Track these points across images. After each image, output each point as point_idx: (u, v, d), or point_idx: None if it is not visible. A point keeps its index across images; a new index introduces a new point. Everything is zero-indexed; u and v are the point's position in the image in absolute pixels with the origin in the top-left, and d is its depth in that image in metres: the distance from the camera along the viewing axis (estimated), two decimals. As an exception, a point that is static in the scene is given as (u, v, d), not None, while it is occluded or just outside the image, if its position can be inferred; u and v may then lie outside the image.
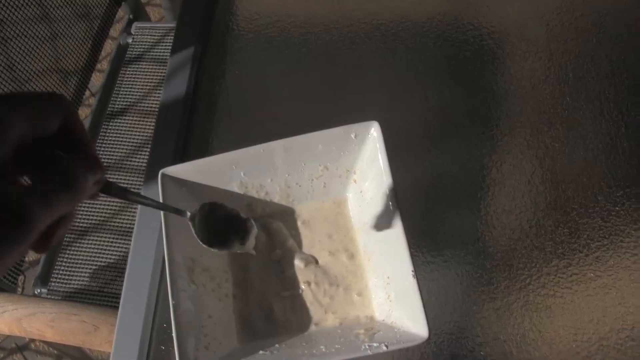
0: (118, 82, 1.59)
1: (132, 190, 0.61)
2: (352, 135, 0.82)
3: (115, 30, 1.79)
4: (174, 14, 1.84)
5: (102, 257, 1.38)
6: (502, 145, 1.00)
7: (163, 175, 0.82)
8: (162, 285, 0.95)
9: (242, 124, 1.09)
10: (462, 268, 0.91)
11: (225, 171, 0.85)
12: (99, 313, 1.10)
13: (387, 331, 0.77)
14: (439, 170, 0.99)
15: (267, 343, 0.81)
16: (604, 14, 1.11)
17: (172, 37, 1.20)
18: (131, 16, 1.72)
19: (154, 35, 1.64)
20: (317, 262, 0.87)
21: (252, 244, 0.82)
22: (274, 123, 1.07)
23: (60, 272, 1.37)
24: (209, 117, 1.09)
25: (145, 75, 1.58)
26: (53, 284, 1.37)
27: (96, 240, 1.40)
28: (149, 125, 1.52)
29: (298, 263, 0.86)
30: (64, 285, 1.36)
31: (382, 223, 0.81)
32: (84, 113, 2.04)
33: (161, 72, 1.58)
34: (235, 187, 0.86)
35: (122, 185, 0.61)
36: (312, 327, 0.83)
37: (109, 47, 2.14)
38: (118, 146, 1.50)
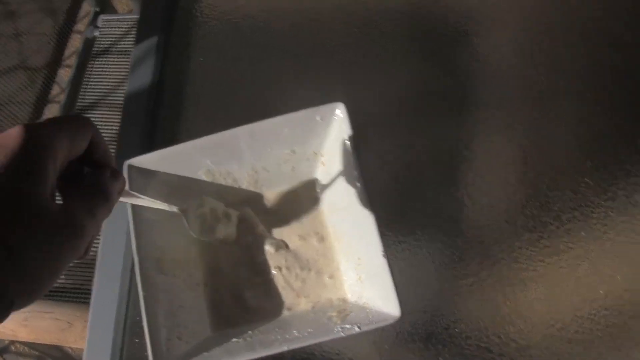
0: (86, 76, 1.57)
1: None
2: (318, 118, 0.82)
3: (83, 24, 1.77)
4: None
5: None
6: (471, 123, 1.00)
7: (129, 166, 0.81)
8: (133, 278, 0.94)
9: (210, 112, 1.08)
10: (434, 246, 0.91)
11: (192, 159, 0.84)
12: (73, 310, 1.09)
13: (360, 312, 0.77)
14: (409, 149, 0.99)
15: (240, 330, 0.80)
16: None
17: (138, 28, 1.18)
18: (97, 9, 1.70)
19: (121, 28, 1.62)
20: (287, 246, 0.87)
21: (234, 232, 0.84)
22: (242, 109, 1.06)
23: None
24: (176, 106, 1.08)
25: (114, 68, 1.57)
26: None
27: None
28: (119, 118, 1.50)
29: (268, 248, 0.86)
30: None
31: (351, 204, 0.80)
32: (54, 109, 2.02)
33: (129, 64, 1.55)
34: (202, 175, 0.86)
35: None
36: (285, 312, 0.83)
37: (77, 41, 2.12)
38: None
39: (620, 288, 0.88)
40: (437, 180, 0.96)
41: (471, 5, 1.11)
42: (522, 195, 0.93)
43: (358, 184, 0.78)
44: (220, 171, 0.86)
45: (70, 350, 1.89)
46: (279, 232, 0.88)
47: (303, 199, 0.90)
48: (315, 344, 0.77)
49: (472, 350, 0.86)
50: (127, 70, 1.54)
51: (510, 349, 0.86)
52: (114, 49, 1.59)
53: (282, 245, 0.86)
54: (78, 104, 1.54)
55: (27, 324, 1.05)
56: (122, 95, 1.51)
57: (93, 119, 1.47)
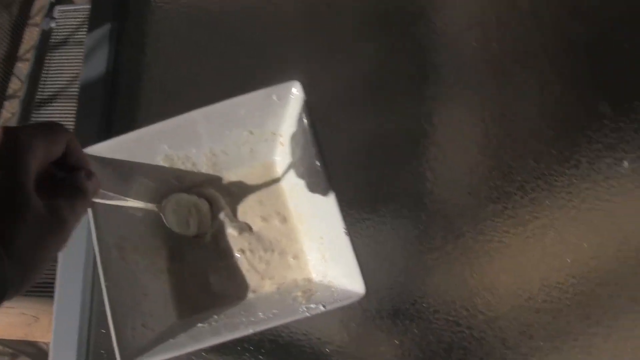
0: (45, 68, 1.55)
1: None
2: (274, 97, 0.80)
3: (39, 16, 1.75)
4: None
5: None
6: (431, 97, 1.00)
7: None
8: (96, 268, 0.91)
9: (167, 98, 1.07)
10: (398, 222, 0.91)
11: (149, 145, 0.82)
12: (39, 304, 1.08)
13: (325, 291, 0.76)
14: (369, 126, 0.98)
15: (205, 315, 0.80)
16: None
17: (93, 17, 1.16)
18: (53, 0, 1.67)
19: (78, 18, 1.60)
20: (250, 229, 0.86)
21: (208, 224, 0.84)
22: (199, 92, 1.05)
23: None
24: (133, 94, 1.07)
25: (72, 59, 1.54)
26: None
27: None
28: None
29: (231, 231, 0.85)
30: None
31: (311, 184, 0.80)
32: (14, 104, 1.99)
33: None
34: (160, 161, 0.84)
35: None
36: (250, 295, 0.83)
37: (34, 34, 2.09)
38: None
39: (587, 256, 0.88)
40: (398, 155, 0.96)
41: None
42: (485, 167, 0.93)
43: (318, 163, 0.77)
44: (178, 155, 0.85)
45: (44, 346, 1.87)
46: (241, 215, 0.87)
47: (263, 180, 0.89)
48: (282, 325, 0.76)
49: (441, 324, 0.86)
50: (84, 60, 1.53)
51: (478, 321, 0.85)
52: (72, 40, 1.57)
53: (245, 228, 0.86)
54: (37, 97, 1.51)
55: (-8, 320, 1.04)
56: (82, 86, 1.49)
57: (54, 112, 1.48)
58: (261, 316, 0.74)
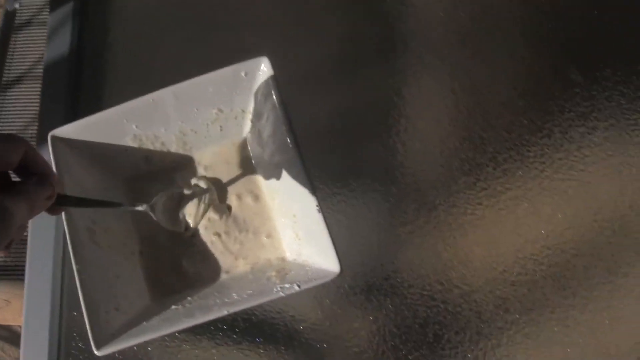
0: (10, 50, 1.53)
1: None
2: (242, 74, 0.79)
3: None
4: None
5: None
6: (400, 69, 0.99)
7: (53, 138, 0.78)
8: (66, 250, 0.91)
9: (134, 76, 1.05)
10: (370, 196, 0.90)
11: (117, 126, 0.81)
12: (9, 287, 1.07)
13: (299, 270, 0.76)
14: (338, 100, 0.98)
15: (179, 297, 0.79)
16: None
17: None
18: (16, -21, 1.64)
19: (42, -2, 1.57)
20: (230, 210, 0.85)
21: (199, 218, 0.84)
22: (166, 70, 1.02)
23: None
24: (98, 73, 1.05)
25: (38, 39, 1.52)
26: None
27: None
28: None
29: (213, 215, 0.84)
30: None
31: (282, 161, 0.79)
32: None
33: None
34: (129, 141, 0.83)
35: (75, 196, 0.70)
36: (223, 276, 0.82)
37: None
38: (18, 115, 1.45)
39: (562, 226, 0.88)
40: (368, 129, 0.95)
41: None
42: (456, 139, 0.93)
43: (288, 140, 0.76)
44: (147, 135, 0.83)
45: (18, 329, 1.86)
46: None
47: (234, 158, 0.88)
48: (256, 305, 0.75)
49: (415, 299, 0.85)
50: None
51: (453, 295, 0.85)
52: (36, 20, 1.54)
53: (226, 211, 0.85)
54: (4, 79, 1.49)
55: (-38, 306, 1.03)
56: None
57: (21, 93, 1.46)
58: (235, 297, 0.73)
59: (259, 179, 0.86)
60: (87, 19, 1.10)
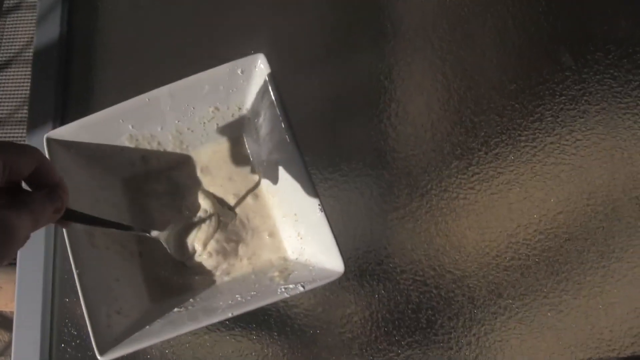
0: (-1, 34, 1.52)
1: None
2: (239, 72, 0.79)
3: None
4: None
5: None
6: (390, 53, 0.99)
7: (49, 140, 0.78)
8: (58, 234, 0.93)
9: (124, 60, 1.04)
10: (361, 180, 0.91)
11: (113, 126, 0.81)
12: (1, 273, 1.06)
13: (302, 270, 0.76)
14: (329, 84, 0.98)
15: (181, 299, 0.79)
16: None
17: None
18: (6, -39, 1.63)
19: (31, -20, 1.56)
20: (235, 215, 0.85)
21: (208, 241, 0.83)
22: (159, 65, 1.02)
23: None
24: (88, 58, 1.04)
25: (27, 22, 1.51)
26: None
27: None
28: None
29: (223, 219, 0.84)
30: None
31: (281, 158, 0.79)
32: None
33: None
34: (125, 141, 0.83)
35: (85, 213, 0.68)
36: (225, 277, 0.82)
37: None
38: (8, 98, 1.44)
39: (554, 211, 0.88)
40: (359, 113, 0.95)
41: None
42: (448, 123, 0.92)
43: (286, 136, 0.76)
44: (143, 135, 0.83)
45: (10, 314, 1.85)
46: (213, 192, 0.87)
47: (232, 157, 0.88)
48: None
49: (408, 284, 0.85)
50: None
51: (446, 281, 0.86)
52: (25, 4, 1.53)
53: (233, 216, 0.84)
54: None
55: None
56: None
57: (11, 77, 1.44)
58: (239, 299, 0.73)
59: (258, 177, 0.87)
60: (77, 1, 1.09)
